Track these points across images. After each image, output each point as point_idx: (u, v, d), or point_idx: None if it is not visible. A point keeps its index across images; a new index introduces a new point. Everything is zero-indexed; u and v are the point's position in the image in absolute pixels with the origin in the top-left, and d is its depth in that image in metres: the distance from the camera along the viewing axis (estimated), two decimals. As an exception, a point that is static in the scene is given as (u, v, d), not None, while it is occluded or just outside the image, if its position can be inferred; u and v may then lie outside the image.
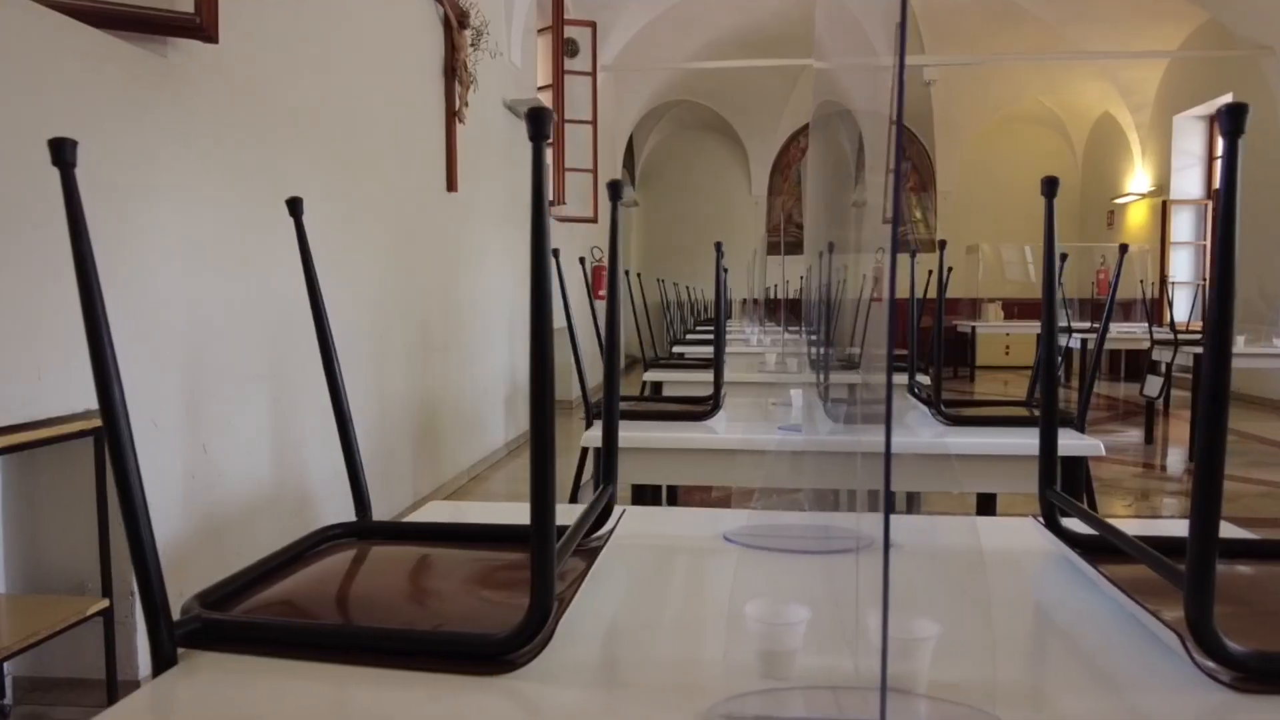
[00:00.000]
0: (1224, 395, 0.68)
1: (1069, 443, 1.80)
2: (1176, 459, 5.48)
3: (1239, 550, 0.99)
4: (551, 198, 6.62)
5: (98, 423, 2.18)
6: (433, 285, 4.26)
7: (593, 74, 7.52)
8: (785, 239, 13.53)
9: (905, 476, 1.91)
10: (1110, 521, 0.99)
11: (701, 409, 2.11)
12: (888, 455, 0.62)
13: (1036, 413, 2.20)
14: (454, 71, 4.39)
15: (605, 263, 9.00)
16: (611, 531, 1.02)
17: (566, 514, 1.01)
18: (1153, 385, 5.54)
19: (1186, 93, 9.91)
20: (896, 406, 1.99)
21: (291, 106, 2.98)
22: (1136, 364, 8.42)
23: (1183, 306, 8.60)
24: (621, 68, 9.50)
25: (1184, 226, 10.22)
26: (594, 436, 1.94)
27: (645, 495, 2.93)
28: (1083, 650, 0.81)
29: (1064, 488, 1.85)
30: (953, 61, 10.22)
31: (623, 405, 2.30)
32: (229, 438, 2.59)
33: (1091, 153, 12.60)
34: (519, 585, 0.88)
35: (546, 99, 6.52)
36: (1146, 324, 5.96)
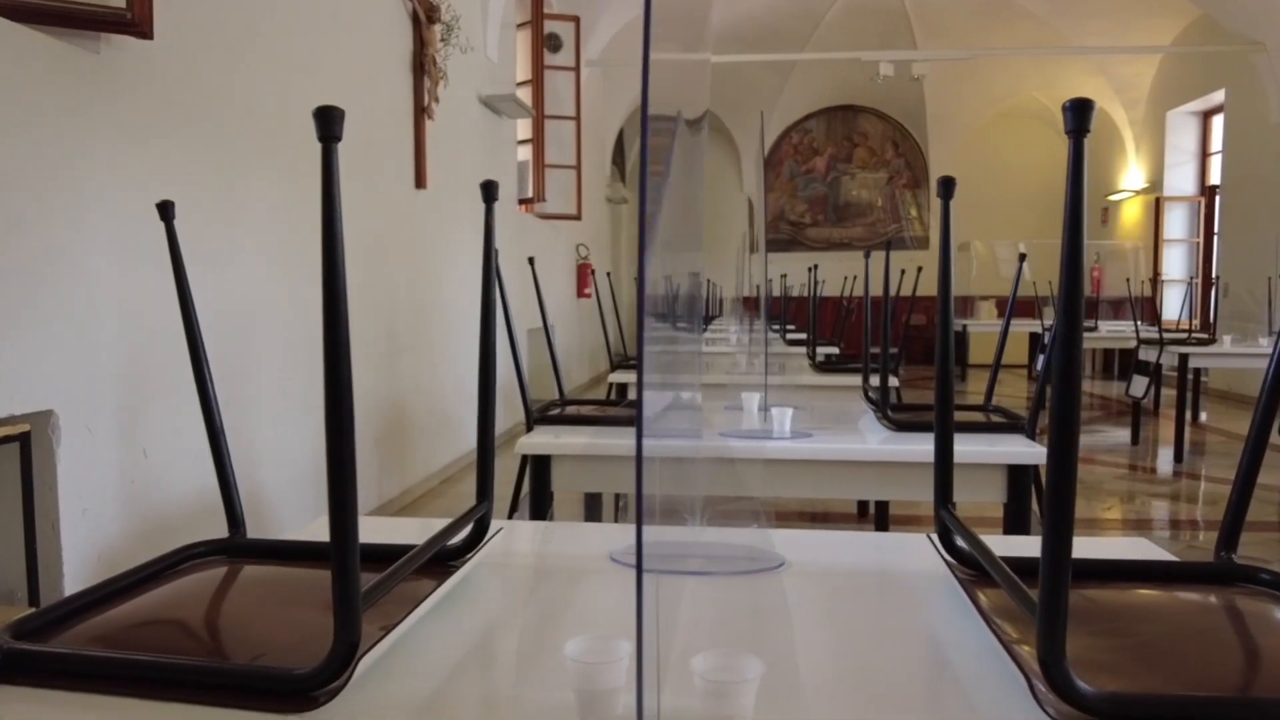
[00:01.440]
0: (1073, 414, 0.62)
1: (1012, 449, 1.74)
2: (1164, 460, 5.42)
3: (1139, 573, 0.93)
4: (530, 194, 6.56)
5: (25, 427, 2.13)
6: (401, 284, 4.20)
7: (576, 69, 7.46)
8: (778, 236, 13.48)
9: (846, 483, 1.86)
10: (990, 540, 0.93)
11: (624, 414, 2.05)
12: (639, 461, 0.56)
13: (994, 418, 2.14)
14: (423, 67, 4.33)
15: (591, 261, 8.93)
16: (474, 552, 0.97)
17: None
18: (1138, 385, 5.48)
19: (1180, 89, 9.83)
20: (848, 410, 1.92)
21: (241, 104, 2.92)
22: (1131, 363, 8.35)
23: (1176, 305, 8.54)
24: (608, 63, 9.42)
25: (1177, 223, 10.15)
26: (530, 442, 1.89)
27: (597, 506, 2.88)
28: (941, 683, 0.75)
29: (1009, 498, 1.80)
30: (944, 56, 10.15)
31: (566, 409, 2.25)
32: (171, 442, 2.53)
33: (1088, 149, 12.49)
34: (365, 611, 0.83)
35: (526, 94, 6.46)
36: (1133, 322, 5.89)
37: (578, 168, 7.44)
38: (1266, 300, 4.81)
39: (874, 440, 1.87)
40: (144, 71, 2.43)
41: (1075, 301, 0.62)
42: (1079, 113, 0.61)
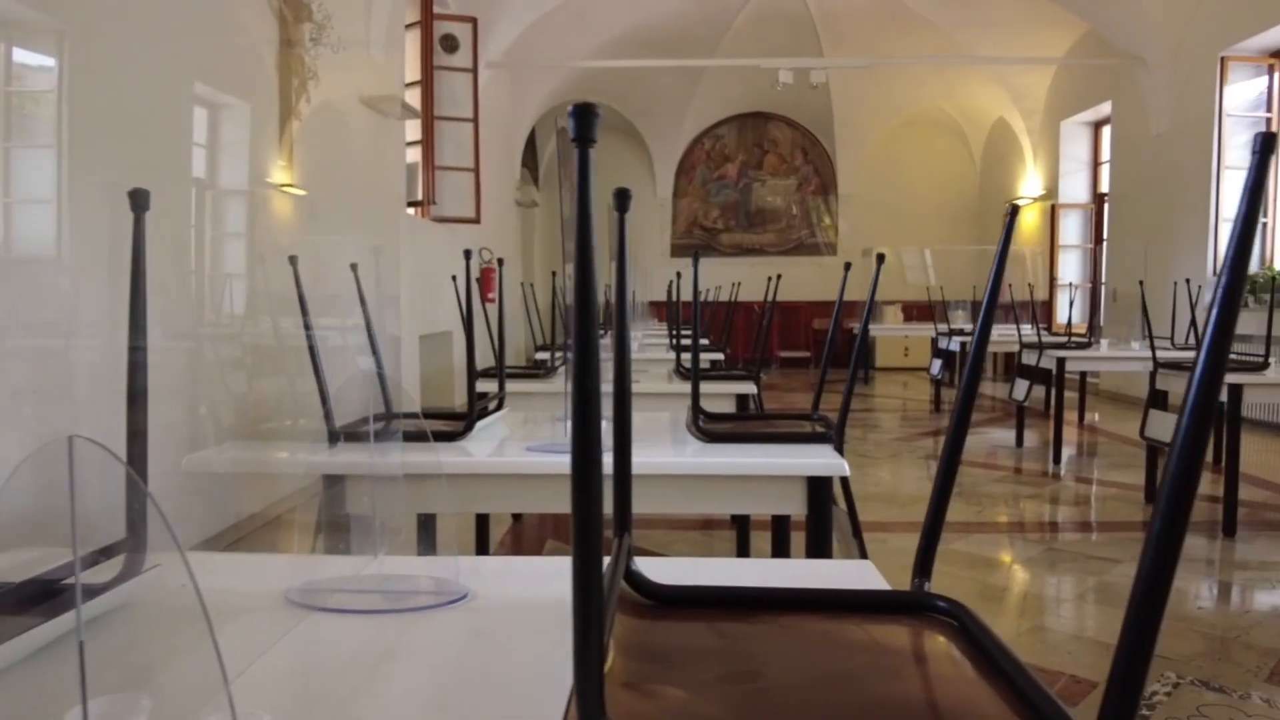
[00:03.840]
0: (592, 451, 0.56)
1: (811, 461, 1.70)
2: (1042, 462, 5.54)
3: (825, 603, 0.87)
4: (420, 196, 6.42)
5: None
6: (263, 288, 4.04)
7: (473, 70, 7.34)
8: (692, 241, 13.51)
9: (648, 497, 1.80)
10: (717, 565, 0.87)
11: (454, 428, 1.97)
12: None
13: (819, 428, 2.11)
14: (289, 66, 4.17)
15: (494, 265, 8.82)
16: (106, 588, 0.87)
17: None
18: (1020, 389, 5.60)
19: (1072, 99, 10.15)
20: (659, 422, 1.85)
21: (77, 104, 2.75)
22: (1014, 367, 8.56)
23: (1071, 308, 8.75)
24: (511, 65, 9.31)
25: (1071, 229, 10.47)
26: (324, 463, 1.78)
27: (429, 527, 2.77)
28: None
29: (809, 513, 1.76)
30: (845, 64, 10.29)
31: (390, 425, 2.15)
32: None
33: (989, 156, 12.85)
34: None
35: (415, 96, 6.32)
36: (1016, 326, 6.02)
37: (475, 170, 7.31)
38: (1140, 304, 4.95)
39: (685, 452, 1.82)
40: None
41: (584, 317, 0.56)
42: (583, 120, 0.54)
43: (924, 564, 0.88)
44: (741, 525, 3.24)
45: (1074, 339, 6.02)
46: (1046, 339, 5.88)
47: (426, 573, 1.00)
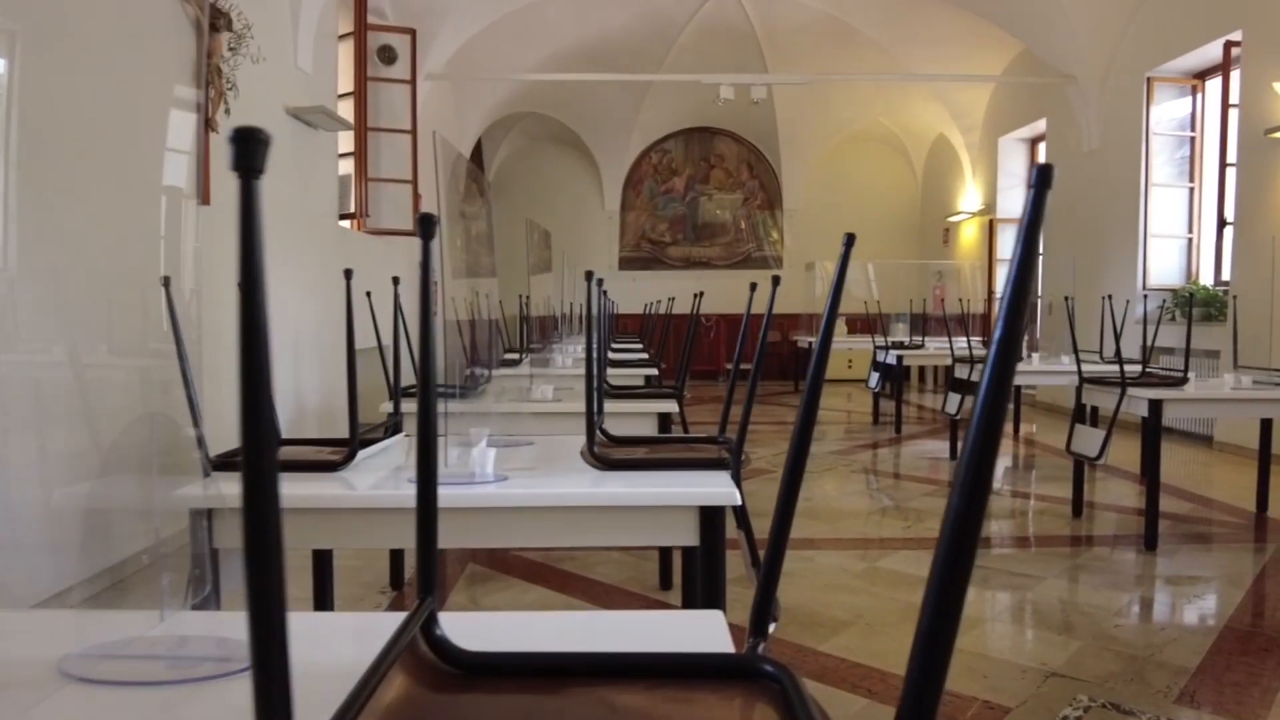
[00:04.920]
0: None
1: (703, 490, 1.65)
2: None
3: (650, 669, 0.82)
4: (353, 209, 6.30)
5: None
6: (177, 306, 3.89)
7: (412, 82, 7.24)
8: (640, 254, 13.50)
9: (541, 531, 1.73)
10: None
11: (335, 457, 1.88)
12: None
13: (726, 453, 2.06)
14: (206, 76, 4.05)
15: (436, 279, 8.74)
16: None
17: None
18: (952, 403, 5.63)
19: (1009, 116, 10.33)
20: (563, 448, 1.77)
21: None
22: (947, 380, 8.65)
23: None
24: (454, 77, 9.22)
25: (1009, 243, 10.64)
26: (188, 494, 1.69)
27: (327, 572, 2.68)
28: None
29: (701, 545, 1.71)
30: (788, 80, 10.36)
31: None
32: None
33: (930, 172, 13.04)
34: None
35: (347, 107, 6.20)
36: (948, 340, 6.07)
37: (414, 182, 7.21)
38: (1066, 318, 5.01)
39: (578, 481, 1.76)
40: None
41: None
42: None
43: (759, 622, 0.83)
44: (663, 549, 3.19)
45: (1006, 354, 6.07)
46: (979, 353, 5.93)
47: (221, 633, 0.92)
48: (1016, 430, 7.51)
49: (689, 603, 2.11)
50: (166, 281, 2.10)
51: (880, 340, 7.78)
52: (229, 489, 1.76)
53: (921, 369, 11.76)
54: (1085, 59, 8.10)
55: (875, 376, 7.79)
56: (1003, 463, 6.16)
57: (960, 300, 7.03)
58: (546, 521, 1.69)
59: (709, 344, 13.14)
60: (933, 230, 12.79)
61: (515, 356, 4.81)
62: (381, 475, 1.92)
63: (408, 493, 1.72)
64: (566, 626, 0.93)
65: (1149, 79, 7.58)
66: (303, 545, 1.95)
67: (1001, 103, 10.51)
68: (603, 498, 1.66)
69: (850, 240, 0.89)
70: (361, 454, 2.04)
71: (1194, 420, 6.70)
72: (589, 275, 1.77)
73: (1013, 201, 10.66)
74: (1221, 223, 7.14)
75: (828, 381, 7.24)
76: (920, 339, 7.99)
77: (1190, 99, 7.67)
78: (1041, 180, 0.47)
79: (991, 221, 10.59)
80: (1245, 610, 3.12)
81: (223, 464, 1.88)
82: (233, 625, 0.92)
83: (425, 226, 0.84)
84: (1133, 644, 2.77)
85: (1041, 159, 9.96)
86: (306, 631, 0.98)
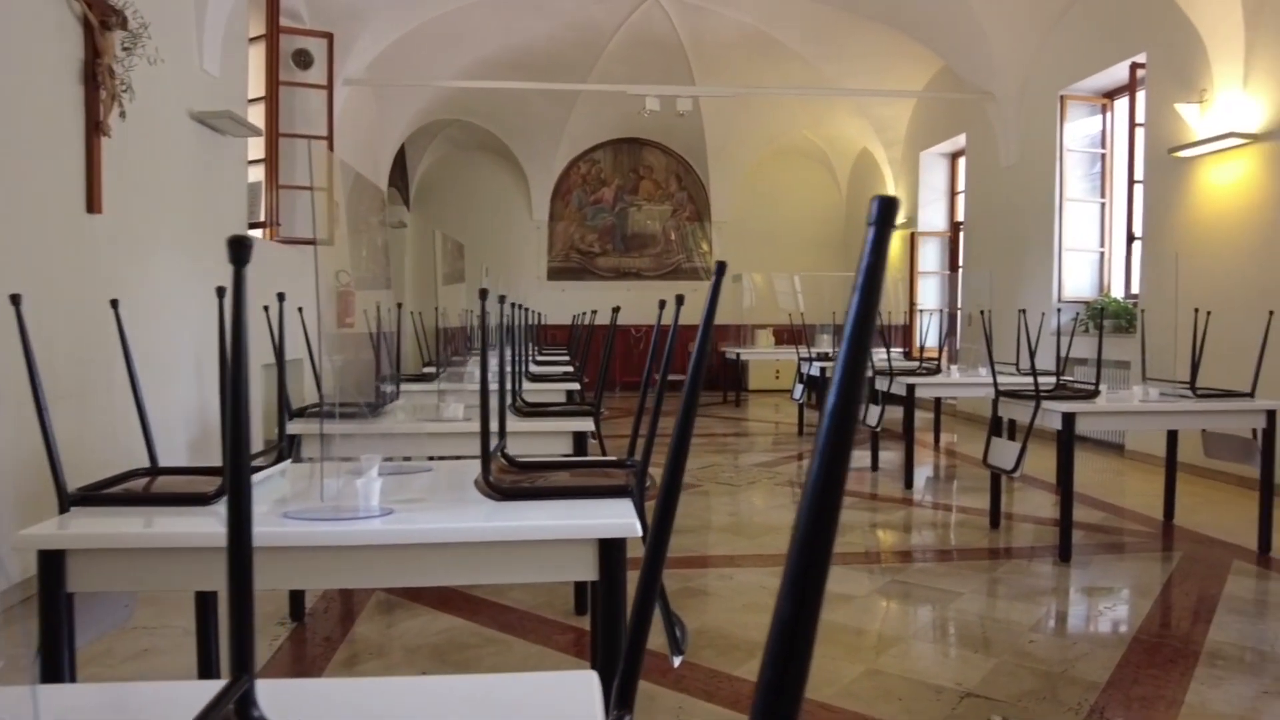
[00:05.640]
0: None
1: (603, 522, 1.56)
2: (895, 486, 5.59)
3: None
4: (263, 217, 6.07)
5: None
6: (61, 319, 3.67)
7: (328, 87, 7.04)
8: (569, 265, 13.38)
9: (432, 569, 1.62)
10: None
11: (206, 489, 1.74)
12: None
13: (632, 478, 1.97)
14: (96, 78, 3.83)
15: (353, 287, 8.45)
16: None
17: None
18: (873, 414, 5.66)
19: (931, 131, 10.53)
20: (461, 475, 1.65)
21: None
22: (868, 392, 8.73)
23: (934, 334, 9.00)
24: (374, 82, 9.01)
25: (930, 257, 10.84)
26: (38, 534, 1.53)
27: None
28: None
29: (602, 579, 1.62)
30: (713, 93, 10.40)
31: (123, 486, 1.90)
32: None
33: (854, 185, 13.23)
34: None
35: (258, 112, 5.98)
36: (884, 351, 6.11)
37: (329, 190, 6.99)
38: (982, 331, 5.07)
39: (471, 514, 1.65)
40: None
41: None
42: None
43: (624, 693, 0.74)
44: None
45: (924, 365, 6.15)
46: (898, 365, 5.98)
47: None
48: (937, 441, 7.61)
49: (596, 636, 2.02)
50: (16, 300, 1.93)
51: (804, 352, 7.81)
52: (92, 527, 1.61)
53: (847, 379, 11.86)
54: (1002, 76, 8.29)
55: (800, 388, 7.82)
56: (924, 473, 6.22)
57: (880, 313, 7.07)
58: (434, 559, 1.58)
59: (639, 355, 13.09)
60: (857, 243, 12.87)
61: (433, 370, 4.67)
62: (261, 509, 1.78)
63: (281, 530, 1.59)
64: (416, 696, 0.84)
65: (1062, 97, 7.79)
66: (162, 587, 1.80)
67: (923, 118, 10.71)
68: (493, 532, 1.56)
69: (721, 268, 0.82)
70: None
71: (1108, 429, 6.87)
72: (482, 293, 1.67)
73: (934, 215, 10.86)
74: (1131, 237, 7.35)
75: (754, 392, 7.35)
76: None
77: (1101, 117, 7.90)
78: (883, 217, 0.40)
79: (913, 235, 10.77)
80: (1153, 620, 3.16)
81: (85, 498, 1.72)
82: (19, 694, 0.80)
83: (236, 250, 0.74)
84: (1047, 659, 2.77)
85: (961, 174, 10.17)
86: (113, 705, 0.86)
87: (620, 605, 1.55)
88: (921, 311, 10.07)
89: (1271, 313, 4.36)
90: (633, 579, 1.66)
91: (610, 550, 1.56)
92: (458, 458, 2.77)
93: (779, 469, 6.33)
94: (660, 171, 13.46)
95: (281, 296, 2.37)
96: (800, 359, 7.74)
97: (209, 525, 1.65)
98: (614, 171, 13.42)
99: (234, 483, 0.71)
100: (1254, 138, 5.55)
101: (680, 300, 1.69)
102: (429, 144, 12.56)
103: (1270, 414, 4.09)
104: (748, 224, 13.41)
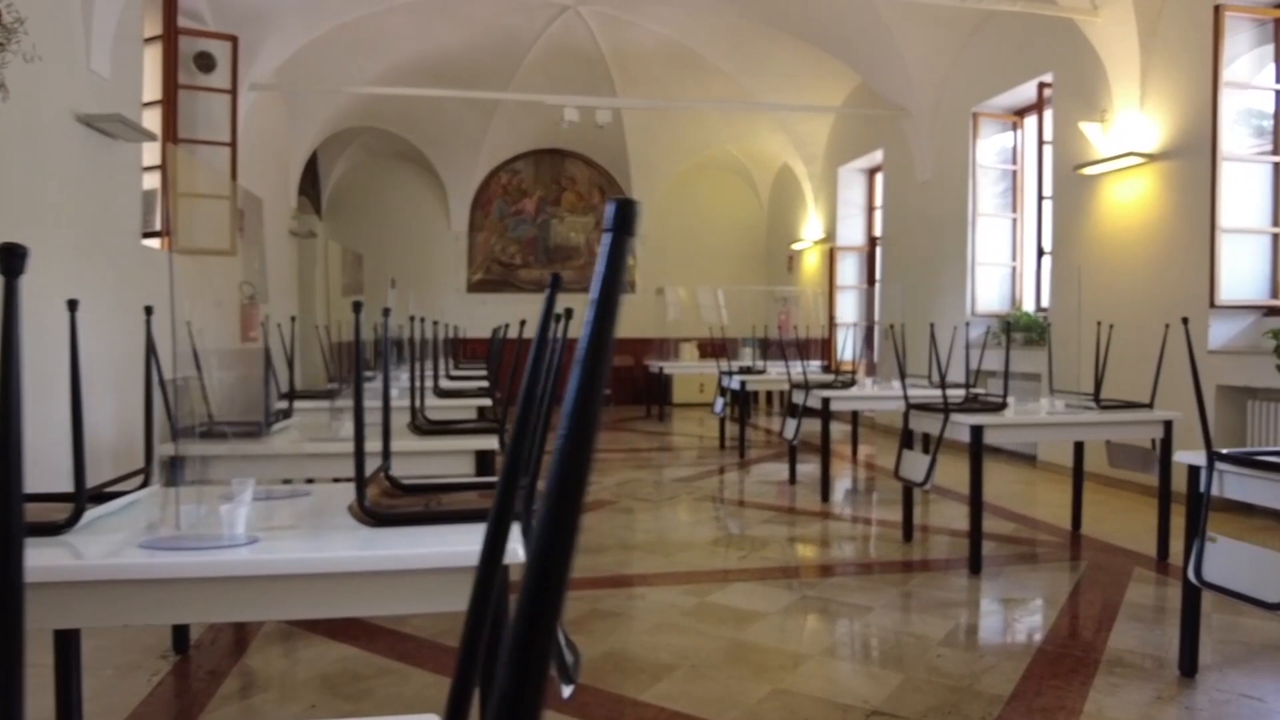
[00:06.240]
0: None
1: (478, 549, 1.46)
2: (813, 499, 5.59)
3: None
4: (157, 226, 5.80)
5: None
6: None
7: (232, 91, 6.78)
8: (490, 276, 13.20)
9: (301, 602, 1.50)
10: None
11: (58, 517, 1.59)
12: None
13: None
14: (-36, 73, 3.58)
15: (257, 300, 8.15)
16: None
17: None
18: (789, 428, 5.66)
19: (849, 147, 10.69)
20: (332, 503, 1.51)
21: None
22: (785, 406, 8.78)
23: (852, 347, 9.10)
24: (283, 88, 8.75)
25: (849, 271, 10.99)
26: None
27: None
28: None
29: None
30: (632, 104, 10.39)
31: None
32: None
33: (775, 200, 13.37)
34: None
35: (153, 116, 5.71)
36: (786, 365, 6.12)
37: (233, 198, 6.71)
38: (895, 345, 5.11)
39: (342, 543, 1.54)
40: None
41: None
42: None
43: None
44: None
45: (839, 378, 6.18)
46: (814, 378, 6.00)
47: None
48: (855, 453, 7.67)
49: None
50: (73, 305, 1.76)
51: (725, 366, 7.81)
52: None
53: (769, 393, 11.96)
54: (917, 93, 8.45)
55: (720, 402, 7.81)
56: (842, 486, 6.25)
57: (796, 327, 7.13)
58: (300, 590, 1.46)
59: (564, 369, 12.94)
60: (778, 257, 13.10)
61: (335, 387, 4.49)
62: (117, 538, 1.63)
63: (132, 561, 1.45)
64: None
65: (974, 114, 7.97)
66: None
67: (841, 134, 10.87)
68: (358, 561, 1.44)
69: (555, 280, 0.73)
70: (96, 512, 1.75)
71: (1017, 441, 7.02)
72: (356, 306, 1.56)
73: (852, 230, 11.03)
74: (1041, 252, 7.55)
75: (679, 406, 7.28)
76: (763, 364, 8.07)
77: (1012, 134, 8.12)
78: (620, 222, 0.33)
79: (832, 249, 10.91)
80: (1057, 630, 3.19)
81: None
82: None
83: (7, 260, 0.64)
84: (953, 674, 2.75)
85: (879, 189, 10.35)
86: None
87: (501, 638, 1.44)
88: (841, 325, 10.19)
89: (1168, 325, 4.49)
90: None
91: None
92: (350, 480, 2.62)
93: (699, 484, 6.29)
94: (583, 183, 13.39)
95: (73, 304, 2.09)
96: (721, 372, 7.72)
97: (59, 557, 1.50)
98: (536, 182, 13.30)
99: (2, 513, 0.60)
100: (1150, 157, 5.74)
101: (568, 314, 1.60)
102: (343, 151, 12.26)
103: (1167, 424, 4.20)
104: (672, 237, 13.43)
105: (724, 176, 13.66)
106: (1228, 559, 2.57)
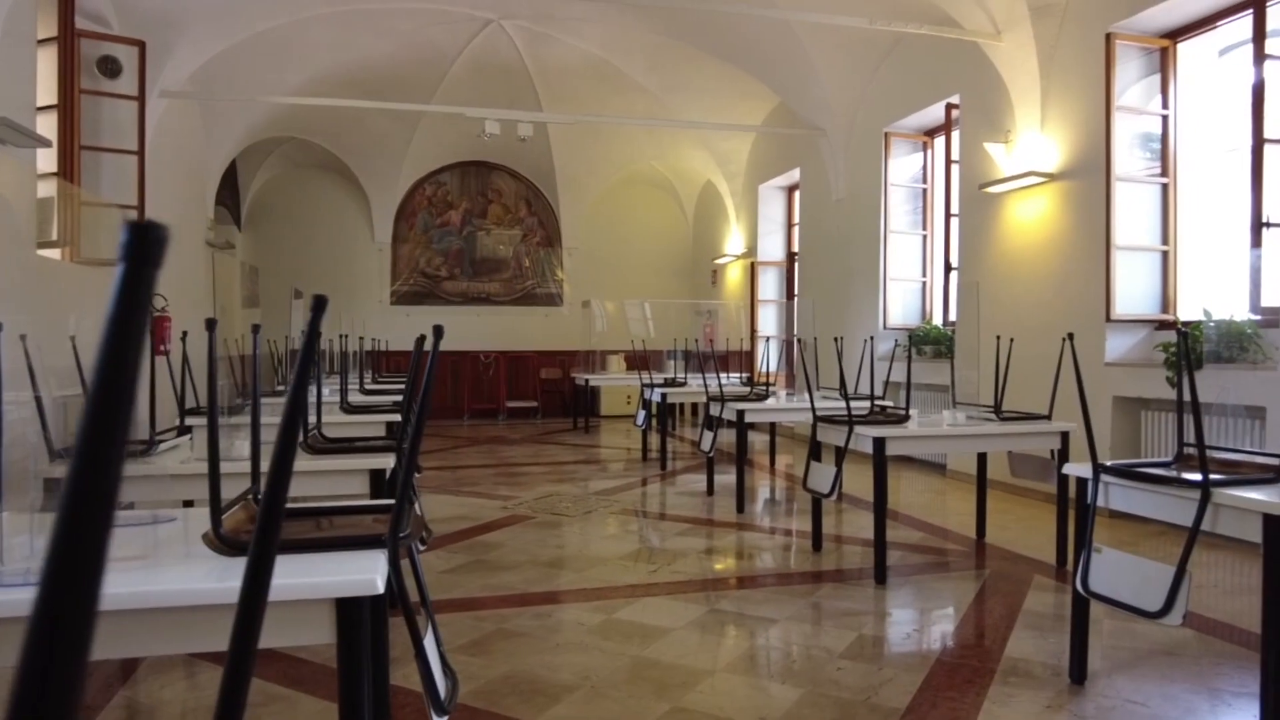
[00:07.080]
0: None
1: (338, 579, 1.43)
2: (728, 510, 5.62)
3: None
4: (55, 236, 5.57)
5: None
6: None
7: (140, 98, 6.56)
8: (414, 288, 13.02)
9: (153, 638, 1.44)
10: None
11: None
12: None
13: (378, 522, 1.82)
14: None
15: (169, 314, 7.89)
16: None
17: None
18: (706, 440, 5.69)
19: (769, 165, 10.86)
20: (186, 534, 1.43)
21: None
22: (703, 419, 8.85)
23: (772, 359, 9.20)
24: (196, 95, 8.50)
25: (769, 285, 11.14)
26: None
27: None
28: None
29: (340, 644, 1.48)
30: (554, 119, 10.38)
31: None
32: None
33: (699, 215, 13.50)
34: None
35: (48, 122, 5.49)
36: (703, 377, 6.15)
37: (140, 208, 6.50)
38: (802, 359, 5.18)
39: (194, 574, 1.48)
40: None
41: None
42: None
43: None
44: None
45: (755, 390, 6.25)
46: (730, 390, 6.05)
47: None
48: (773, 463, 7.75)
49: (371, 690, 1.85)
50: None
51: (647, 378, 7.82)
52: None
53: (694, 405, 12.03)
54: (832, 114, 8.63)
55: (642, 414, 7.81)
56: (760, 496, 6.30)
57: (713, 341, 7.17)
58: (146, 626, 1.40)
59: (489, 381, 12.85)
60: (703, 271, 13.22)
61: (239, 402, 4.36)
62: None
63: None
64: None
65: (886, 134, 8.17)
66: None
67: (761, 152, 11.03)
68: (211, 594, 1.39)
69: (319, 302, 0.71)
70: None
71: (920, 452, 7.17)
72: (210, 323, 1.51)
73: (772, 245, 11.19)
74: (949, 268, 7.76)
75: (606, 418, 7.26)
76: (684, 377, 8.11)
77: (922, 154, 8.34)
78: (135, 251, 0.31)
79: (754, 264, 11.05)
80: (957, 641, 3.25)
81: None
82: None
83: None
84: (851, 687, 2.78)
85: (796, 206, 10.52)
86: None
87: (358, 673, 1.41)
88: (762, 338, 10.31)
89: (1064, 339, 4.64)
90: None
91: (349, 610, 1.42)
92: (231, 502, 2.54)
93: (618, 496, 6.27)
94: (510, 196, 13.32)
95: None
96: (643, 385, 7.74)
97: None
98: (461, 194, 13.18)
99: None
100: (1050, 176, 5.95)
101: (439, 332, 1.57)
102: (263, 161, 11.98)
103: (1064, 435, 4.34)
104: (599, 250, 13.45)
105: (650, 191, 13.74)
106: (1113, 569, 2.65)
